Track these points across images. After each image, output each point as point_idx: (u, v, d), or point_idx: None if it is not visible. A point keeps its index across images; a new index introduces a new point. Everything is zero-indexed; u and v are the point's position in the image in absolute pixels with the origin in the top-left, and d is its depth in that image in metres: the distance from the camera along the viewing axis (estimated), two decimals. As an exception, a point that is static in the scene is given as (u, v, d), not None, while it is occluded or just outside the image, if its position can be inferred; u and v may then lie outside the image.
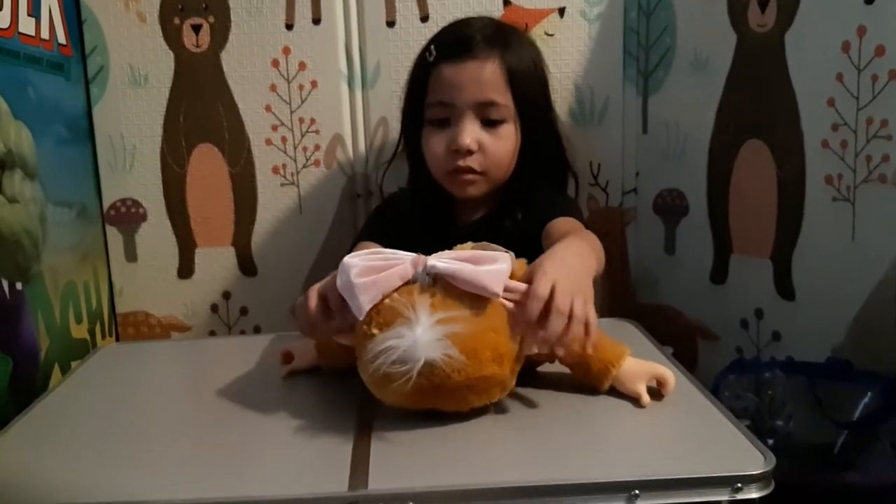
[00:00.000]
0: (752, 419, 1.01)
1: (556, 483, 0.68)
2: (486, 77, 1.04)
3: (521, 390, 0.85)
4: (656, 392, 0.84)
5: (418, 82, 1.10)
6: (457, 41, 1.07)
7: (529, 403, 0.84)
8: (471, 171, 1.06)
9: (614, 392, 0.86)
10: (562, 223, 1.02)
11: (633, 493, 0.67)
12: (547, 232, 1.02)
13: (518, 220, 1.08)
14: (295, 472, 0.73)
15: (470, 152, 1.05)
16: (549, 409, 0.83)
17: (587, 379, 0.86)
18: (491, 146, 1.06)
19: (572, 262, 0.82)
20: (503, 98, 1.05)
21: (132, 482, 0.72)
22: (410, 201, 1.15)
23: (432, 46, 1.09)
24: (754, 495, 0.68)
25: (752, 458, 0.71)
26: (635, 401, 0.83)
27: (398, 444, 0.76)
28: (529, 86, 1.08)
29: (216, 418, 0.86)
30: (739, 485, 0.68)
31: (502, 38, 1.07)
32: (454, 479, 0.69)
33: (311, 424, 0.81)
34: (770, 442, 1.00)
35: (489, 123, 1.06)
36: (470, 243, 0.84)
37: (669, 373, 0.85)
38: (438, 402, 0.78)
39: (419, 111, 1.09)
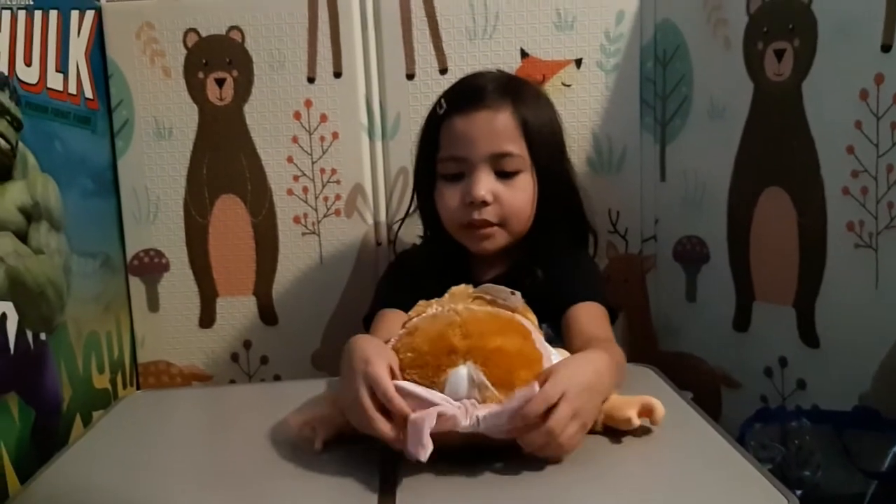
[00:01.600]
0: (779, 469, 1.00)
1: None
2: (499, 127, 1.03)
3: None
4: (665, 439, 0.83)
5: (430, 137, 1.08)
6: (467, 92, 1.06)
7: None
8: (487, 224, 1.04)
9: (633, 441, 0.84)
10: (585, 316, 1.00)
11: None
12: (570, 320, 1.00)
13: (539, 280, 1.05)
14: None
15: (485, 204, 1.03)
16: (568, 458, 0.82)
17: None
18: (507, 197, 1.04)
19: (590, 380, 0.79)
20: (517, 148, 1.04)
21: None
22: (425, 259, 1.13)
23: (442, 100, 1.08)
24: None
25: (776, 503, 0.70)
26: (657, 450, 0.82)
27: (424, 494, 0.76)
28: (544, 135, 1.07)
29: (239, 467, 0.85)
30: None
31: (514, 88, 1.06)
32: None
33: (334, 473, 0.80)
34: (798, 493, 0.98)
35: (504, 175, 1.04)
36: (468, 287, 0.88)
37: (657, 401, 0.84)
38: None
39: (432, 167, 1.08)
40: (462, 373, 0.77)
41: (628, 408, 0.84)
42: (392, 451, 0.78)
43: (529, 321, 0.87)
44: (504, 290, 0.87)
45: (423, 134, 1.12)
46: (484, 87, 1.05)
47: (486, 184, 1.03)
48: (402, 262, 1.21)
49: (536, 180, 1.06)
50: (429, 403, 0.75)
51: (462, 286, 0.91)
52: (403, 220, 1.26)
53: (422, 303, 0.90)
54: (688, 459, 0.81)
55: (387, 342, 0.85)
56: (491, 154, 1.03)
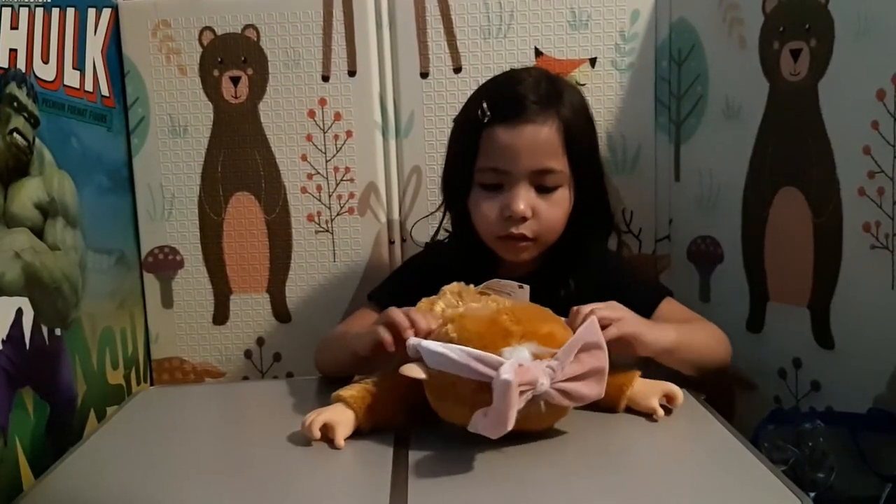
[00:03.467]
0: (792, 471, 0.99)
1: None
2: (543, 143, 1.01)
3: (552, 432, 0.85)
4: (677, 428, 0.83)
5: (469, 142, 1.05)
6: (512, 102, 1.02)
7: (562, 446, 0.84)
8: (524, 238, 1.04)
9: (648, 437, 0.86)
10: (668, 315, 1.06)
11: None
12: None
13: (572, 288, 1.06)
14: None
15: (524, 219, 1.02)
16: (583, 453, 0.82)
17: (603, 401, 0.86)
18: (545, 212, 1.03)
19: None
20: (559, 164, 1.02)
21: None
22: (455, 259, 1.10)
23: (485, 105, 1.03)
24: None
25: (789, 503, 0.70)
26: (672, 447, 0.83)
27: (435, 488, 0.76)
28: (585, 145, 1.05)
29: (252, 463, 0.86)
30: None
31: (556, 97, 1.03)
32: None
33: (346, 469, 0.81)
34: (812, 495, 0.97)
35: (544, 189, 1.03)
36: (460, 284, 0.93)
37: (678, 388, 0.91)
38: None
39: (469, 172, 1.05)
40: (523, 349, 0.78)
41: (652, 396, 0.90)
42: (404, 445, 0.79)
43: None
44: (511, 284, 0.88)
45: (459, 137, 1.09)
46: (527, 96, 1.02)
47: (526, 199, 1.02)
48: (429, 257, 1.19)
49: (574, 191, 1.05)
50: (495, 363, 0.75)
51: (454, 284, 0.92)
52: (427, 216, 1.25)
53: (425, 301, 0.91)
54: (701, 460, 0.81)
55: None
56: (534, 170, 1.02)
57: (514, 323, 0.80)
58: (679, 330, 0.99)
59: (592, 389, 0.80)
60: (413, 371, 0.81)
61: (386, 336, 0.87)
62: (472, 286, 0.93)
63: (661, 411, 0.89)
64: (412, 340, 0.82)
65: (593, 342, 0.80)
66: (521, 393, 0.74)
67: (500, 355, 0.77)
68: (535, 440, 0.82)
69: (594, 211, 1.10)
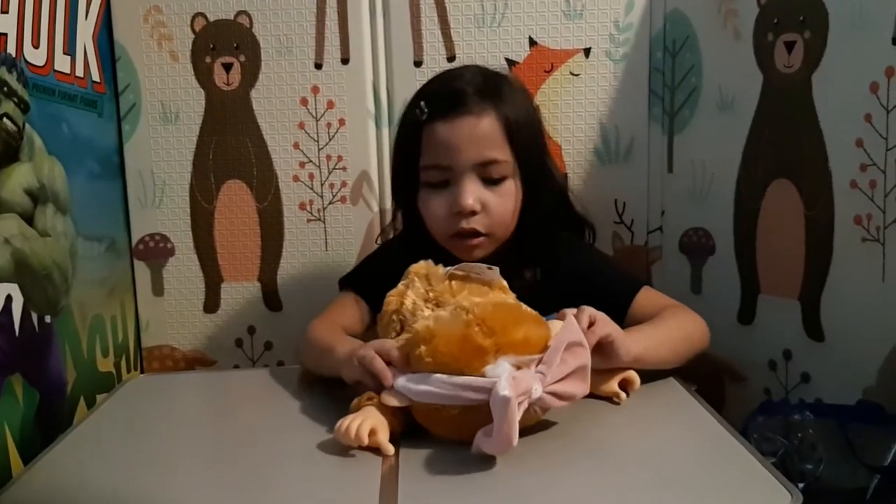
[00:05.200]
0: (781, 462, 1.00)
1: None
2: (483, 134, 1.00)
3: (539, 426, 0.85)
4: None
5: (410, 142, 1.04)
6: (448, 96, 1.02)
7: (552, 439, 0.84)
8: (476, 233, 1.02)
9: (638, 428, 0.87)
10: (645, 303, 1.04)
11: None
12: (638, 317, 1.02)
13: (528, 281, 1.04)
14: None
15: (473, 213, 1.01)
16: (574, 445, 0.82)
17: None
18: (494, 205, 1.02)
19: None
20: (503, 154, 1.01)
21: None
22: (410, 259, 1.00)
23: (422, 103, 1.03)
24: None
25: (778, 494, 0.70)
26: (662, 439, 0.84)
27: (424, 475, 0.76)
28: (527, 135, 1.04)
29: (242, 452, 0.86)
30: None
31: (495, 88, 1.03)
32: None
33: (337, 457, 0.81)
34: (800, 486, 0.98)
35: (490, 182, 1.02)
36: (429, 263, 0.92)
37: (635, 374, 0.93)
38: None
39: (414, 172, 1.04)
40: (502, 364, 0.77)
41: (613, 382, 0.92)
42: (394, 438, 0.79)
43: (513, 298, 0.90)
44: (480, 266, 0.88)
45: (401, 138, 1.08)
46: (464, 89, 1.02)
47: (473, 192, 1.01)
48: (386, 253, 1.18)
49: (521, 183, 1.04)
50: (485, 386, 0.75)
51: (422, 264, 0.91)
52: (385, 228, 1.24)
53: (393, 294, 0.90)
54: (691, 451, 0.81)
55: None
56: (477, 162, 1.01)
57: (486, 336, 0.78)
58: (647, 337, 0.96)
59: (579, 388, 0.81)
60: (393, 401, 0.81)
61: (374, 386, 0.84)
62: (440, 267, 0.91)
63: (622, 395, 0.92)
64: (397, 384, 0.81)
65: (575, 341, 0.81)
66: (518, 404, 0.75)
67: (483, 375, 0.76)
68: (526, 434, 0.82)
69: (550, 203, 1.09)
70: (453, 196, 1.01)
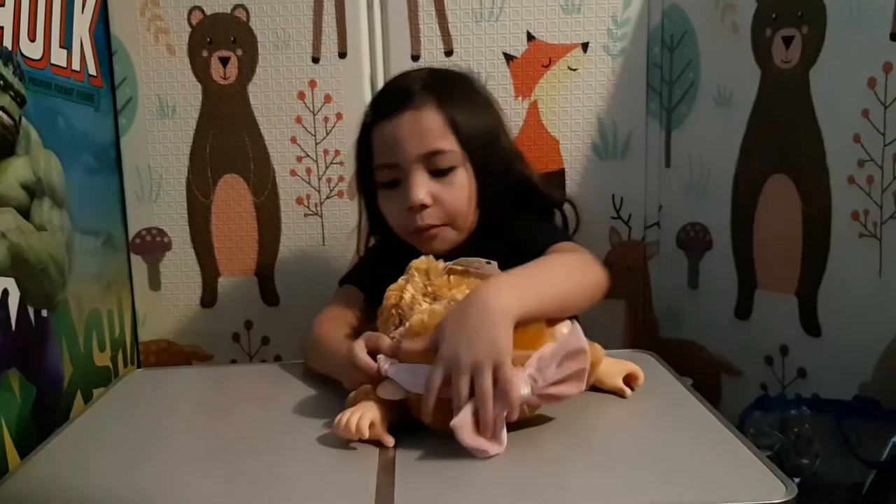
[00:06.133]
0: (777, 457, 1.00)
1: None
2: (425, 125, 1.00)
3: (535, 420, 0.86)
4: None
5: (363, 147, 1.06)
6: (391, 95, 1.04)
7: (547, 431, 0.84)
8: (432, 227, 1.02)
9: (635, 422, 0.87)
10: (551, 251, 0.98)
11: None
12: None
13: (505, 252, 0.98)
14: (317, 499, 0.73)
15: (424, 206, 1.00)
16: (569, 438, 0.82)
17: None
18: (446, 196, 1.01)
19: (469, 329, 0.78)
20: (448, 144, 1.00)
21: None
22: (388, 261, 1.01)
23: (368, 108, 1.06)
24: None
25: (773, 488, 0.70)
26: (658, 433, 0.84)
27: (421, 468, 0.76)
28: (474, 126, 1.02)
29: (239, 447, 0.85)
30: (761, 513, 0.67)
31: (438, 83, 1.03)
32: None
33: (334, 451, 0.81)
34: (796, 481, 0.98)
35: (439, 173, 1.01)
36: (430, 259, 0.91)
37: (639, 368, 0.93)
38: None
39: (370, 176, 1.05)
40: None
41: (617, 376, 0.92)
42: (391, 430, 0.79)
43: None
44: (478, 261, 0.88)
45: (356, 144, 1.09)
46: (408, 87, 1.02)
47: (421, 187, 1.00)
48: (376, 252, 1.17)
49: (473, 172, 1.03)
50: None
51: (422, 260, 0.91)
52: (366, 236, 1.20)
53: (392, 289, 0.90)
54: (687, 446, 0.81)
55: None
56: (421, 154, 1.00)
57: None
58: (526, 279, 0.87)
59: (573, 388, 0.81)
60: (389, 393, 0.81)
61: (370, 380, 0.84)
62: (440, 262, 0.92)
63: (628, 391, 0.92)
64: (390, 372, 0.82)
65: (576, 349, 0.80)
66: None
67: None
68: (521, 427, 0.82)
69: (511, 190, 1.07)
70: (404, 193, 1.01)
